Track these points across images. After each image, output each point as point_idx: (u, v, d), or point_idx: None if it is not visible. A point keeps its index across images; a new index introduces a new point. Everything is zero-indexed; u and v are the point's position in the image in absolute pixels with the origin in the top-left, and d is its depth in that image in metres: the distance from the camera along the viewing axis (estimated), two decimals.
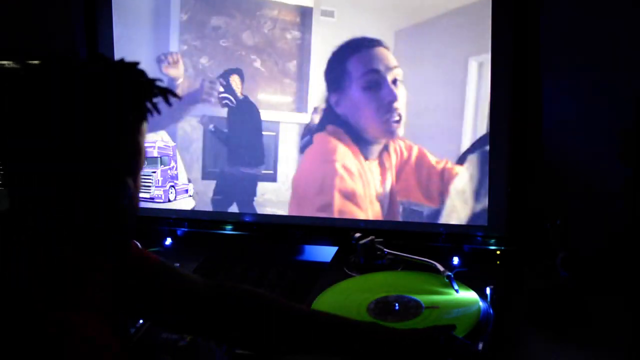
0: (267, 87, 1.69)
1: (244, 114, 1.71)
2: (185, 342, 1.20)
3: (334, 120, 1.62)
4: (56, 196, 0.82)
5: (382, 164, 1.59)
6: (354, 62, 1.58)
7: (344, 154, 1.61)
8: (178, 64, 1.72)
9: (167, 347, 1.20)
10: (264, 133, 1.70)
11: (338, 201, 1.62)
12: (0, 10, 1.79)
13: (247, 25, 1.68)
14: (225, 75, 1.70)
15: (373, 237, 1.47)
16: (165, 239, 1.68)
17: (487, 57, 1.47)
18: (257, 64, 1.69)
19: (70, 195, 0.82)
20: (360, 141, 1.60)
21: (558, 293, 1.29)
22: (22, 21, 1.80)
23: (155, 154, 1.72)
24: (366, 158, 1.60)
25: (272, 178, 1.71)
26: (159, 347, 1.20)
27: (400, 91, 1.55)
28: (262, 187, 1.71)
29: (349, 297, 1.31)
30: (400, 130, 1.57)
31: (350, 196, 1.61)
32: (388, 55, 1.55)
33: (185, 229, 1.73)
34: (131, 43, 1.75)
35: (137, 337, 1.23)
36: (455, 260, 1.45)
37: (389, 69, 1.55)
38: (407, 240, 1.53)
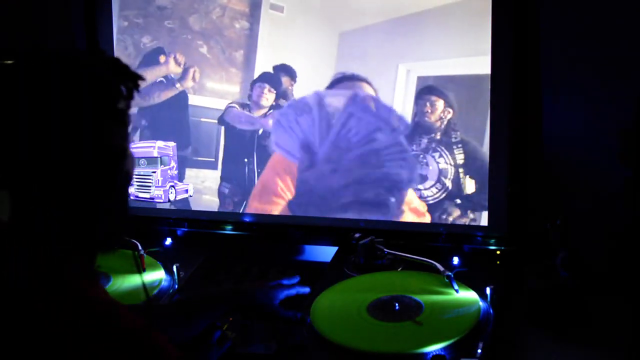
0: (213, 75, 1.69)
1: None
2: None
3: None
4: (56, 196, 0.82)
5: None
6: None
7: None
8: None
9: None
10: (207, 120, 1.70)
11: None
12: (0, 10, 1.79)
13: (195, 9, 1.67)
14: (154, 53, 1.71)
15: (373, 237, 1.47)
16: (165, 239, 1.68)
17: (414, 65, 1.51)
18: (204, 49, 1.68)
19: (71, 195, 0.82)
20: None
21: (558, 293, 1.29)
22: (22, 21, 1.80)
23: (155, 154, 1.72)
24: None
25: (214, 166, 1.71)
26: None
27: None
28: (202, 174, 1.72)
29: (349, 297, 1.31)
30: None
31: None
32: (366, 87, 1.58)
33: (185, 229, 1.73)
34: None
35: None
36: (455, 260, 1.45)
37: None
38: (407, 240, 1.52)
